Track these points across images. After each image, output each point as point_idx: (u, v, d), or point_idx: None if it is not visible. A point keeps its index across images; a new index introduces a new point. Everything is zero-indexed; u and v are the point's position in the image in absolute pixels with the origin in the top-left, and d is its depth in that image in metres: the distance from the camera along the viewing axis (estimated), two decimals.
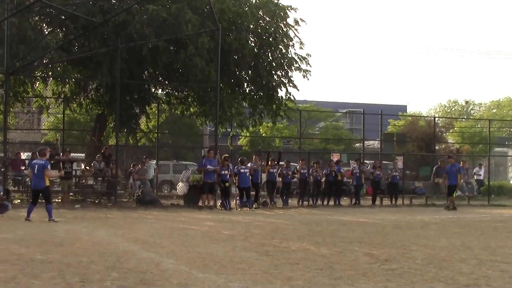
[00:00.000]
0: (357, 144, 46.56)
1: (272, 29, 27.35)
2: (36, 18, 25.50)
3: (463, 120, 66.01)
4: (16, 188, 24.53)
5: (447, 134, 48.67)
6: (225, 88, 27.45)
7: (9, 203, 18.20)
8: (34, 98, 29.47)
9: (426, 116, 54.71)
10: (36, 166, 16.75)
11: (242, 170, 23.83)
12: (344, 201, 27.57)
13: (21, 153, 26.19)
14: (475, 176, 33.84)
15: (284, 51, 27.90)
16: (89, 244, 11.92)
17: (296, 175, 26.58)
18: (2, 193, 18.43)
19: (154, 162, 29.06)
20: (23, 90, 26.51)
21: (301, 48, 28.85)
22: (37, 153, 17.78)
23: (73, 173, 25.51)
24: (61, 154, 23.67)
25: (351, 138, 52.50)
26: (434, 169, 30.79)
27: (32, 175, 17.18)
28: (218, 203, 23.45)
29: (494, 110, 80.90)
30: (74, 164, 26.02)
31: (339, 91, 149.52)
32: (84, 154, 29.94)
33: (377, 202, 27.41)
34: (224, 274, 8.93)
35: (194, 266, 9.52)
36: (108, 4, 24.95)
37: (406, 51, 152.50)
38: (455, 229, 16.67)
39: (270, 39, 27.36)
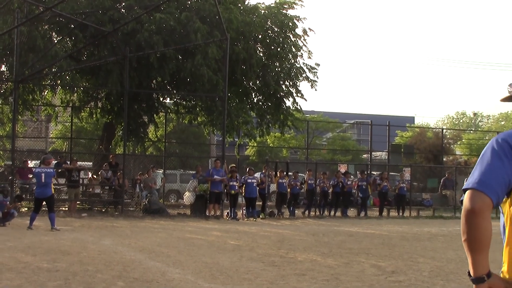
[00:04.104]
0: (365, 155, 46.48)
1: (280, 39, 27.42)
2: (46, 27, 25.65)
3: (471, 132, 65.81)
4: (24, 196, 24.55)
5: (455, 146, 48.56)
6: (232, 97, 27.50)
7: (15, 211, 18.22)
8: (42, 107, 29.57)
9: (434, 128, 54.65)
10: (43, 174, 16.69)
11: (249, 180, 23.82)
12: (351, 212, 27.50)
13: (29, 162, 26.23)
14: None
15: (292, 61, 27.97)
16: (96, 253, 11.92)
17: (303, 186, 26.54)
18: (8, 202, 18.46)
19: (161, 172, 29.08)
20: (31, 98, 26.61)
21: (309, 57, 28.98)
22: (42, 161, 17.76)
23: (80, 181, 25.54)
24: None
25: (359, 149, 52.41)
26: (441, 181, 30.68)
27: (37, 183, 17.16)
28: (225, 213, 23.43)
29: (503, 122, 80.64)
30: (82, 173, 26.05)
31: (346, 102, 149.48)
32: (91, 163, 30.00)
33: (384, 213, 27.31)
34: (230, 284, 8.91)
35: (201, 276, 9.50)
36: (117, 13, 25.06)
37: (415, 63, 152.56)
38: None
39: (278, 49, 27.43)
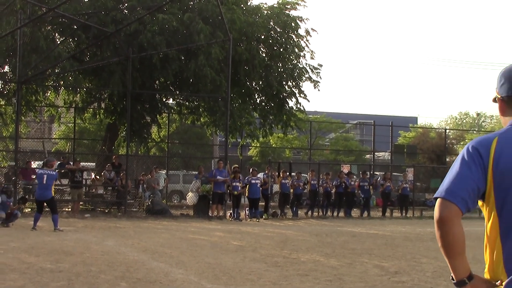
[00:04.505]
0: (368, 156, 46.46)
1: (283, 39, 27.41)
2: (49, 27, 25.69)
3: (474, 132, 65.67)
4: (26, 197, 24.58)
5: (458, 146, 48.45)
6: (235, 98, 27.50)
7: (18, 212, 18.25)
8: (45, 107, 29.61)
9: (437, 128, 54.57)
10: (45, 176, 16.66)
11: (253, 181, 23.82)
12: (354, 212, 27.49)
13: (32, 162, 26.25)
14: None
15: (295, 61, 27.97)
16: (99, 254, 11.93)
17: (306, 186, 26.54)
18: (12, 202, 18.48)
19: (164, 172, 29.10)
20: (34, 99, 26.63)
21: (312, 58, 28.97)
22: (45, 164, 17.78)
23: (83, 182, 25.57)
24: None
25: (361, 150, 52.41)
26: None
27: (38, 185, 17.17)
28: (228, 213, 23.44)
29: None
30: (85, 173, 26.08)
31: (349, 102, 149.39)
32: (94, 164, 30.04)
33: (387, 214, 27.30)
34: (233, 285, 8.91)
35: (204, 277, 9.51)
36: (120, 14, 25.09)
37: (417, 63, 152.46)
38: (466, 242, 16.54)
39: (281, 50, 27.43)
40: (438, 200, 2.65)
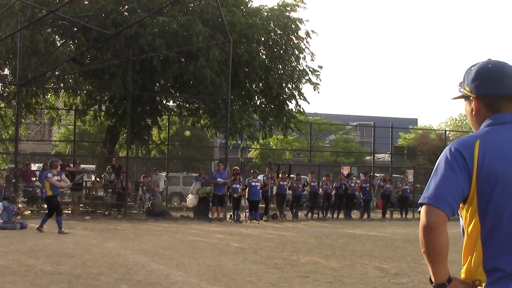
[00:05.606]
0: (368, 157, 46.46)
1: (283, 41, 27.43)
2: (49, 30, 25.69)
3: None
4: (26, 200, 24.60)
5: None
6: (235, 100, 27.51)
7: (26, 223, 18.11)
8: (45, 110, 29.63)
9: (437, 130, 54.55)
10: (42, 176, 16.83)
11: (253, 183, 23.82)
12: (354, 214, 27.49)
13: (32, 165, 26.26)
14: None
15: (295, 63, 27.98)
16: (99, 256, 11.94)
17: (306, 188, 26.54)
18: (15, 208, 18.46)
19: (164, 174, 29.09)
20: (35, 101, 26.65)
21: (312, 60, 28.98)
22: (48, 165, 17.83)
23: (84, 184, 25.57)
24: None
25: (362, 151, 52.41)
26: None
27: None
28: (228, 215, 23.44)
29: None
30: (85, 176, 26.08)
31: (349, 104, 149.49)
32: (94, 166, 30.03)
33: (387, 215, 27.30)
34: (233, 287, 8.92)
35: (204, 279, 9.51)
36: (120, 16, 25.10)
37: (418, 64, 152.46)
38: None
39: (281, 52, 27.44)
40: (424, 207, 2.62)
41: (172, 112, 30.75)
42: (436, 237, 2.60)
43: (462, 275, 2.74)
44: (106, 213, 24.47)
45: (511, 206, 2.61)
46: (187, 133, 30.23)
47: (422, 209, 2.64)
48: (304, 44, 28.10)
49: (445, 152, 2.72)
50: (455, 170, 2.63)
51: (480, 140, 2.66)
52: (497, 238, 2.61)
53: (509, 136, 2.68)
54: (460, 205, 2.70)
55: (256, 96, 28.72)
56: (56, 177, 16.92)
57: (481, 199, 2.63)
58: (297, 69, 28.08)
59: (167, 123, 32.02)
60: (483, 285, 2.63)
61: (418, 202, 2.70)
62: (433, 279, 2.68)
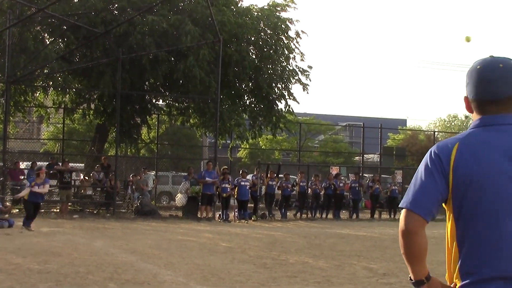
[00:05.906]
0: (357, 158, 46.53)
1: (273, 41, 27.43)
2: (38, 28, 25.58)
3: None
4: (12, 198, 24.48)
5: None
6: (225, 99, 27.49)
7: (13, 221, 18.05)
8: (34, 108, 29.50)
9: (426, 130, 54.77)
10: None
11: (242, 183, 23.81)
12: (343, 214, 27.54)
13: (20, 163, 26.12)
14: None
15: (284, 63, 27.99)
16: (87, 255, 11.90)
17: (295, 188, 26.57)
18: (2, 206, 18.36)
19: (153, 173, 29.04)
20: (23, 99, 26.53)
21: (302, 60, 29.00)
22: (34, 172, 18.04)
23: (72, 183, 25.48)
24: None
25: (351, 152, 52.46)
26: None
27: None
28: (217, 215, 23.42)
29: None
30: (73, 174, 25.98)
31: (339, 104, 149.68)
32: (83, 164, 29.92)
33: (376, 216, 27.37)
34: (222, 286, 8.91)
35: (192, 278, 9.50)
36: (110, 15, 25.03)
37: (407, 65, 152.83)
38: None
39: (271, 52, 27.44)
40: (404, 212, 2.66)
41: (162, 111, 30.70)
42: (414, 241, 2.64)
43: (446, 278, 2.78)
44: (95, 212, 24.40)
45: (482, 210, 2.61)
46: None
47: (402, 213, 2.68)
48: (294, 44, 28.14)
49: (426, 156, 2.77)
50: (434, 175, 2.67)
51: (459, 143, 2.69)
52: (469, 242, 2.63)
53: (487, 139, 2.67)
54: (444, 206, 2.73)
55: (245, 96, 28.71)
56: (37, 187, 16.97)
57: (455, 202, 2.66)
58: (287, 69, 28.08)
59: (156, 122, 31.96)
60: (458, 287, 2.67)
61: (399, 206, 2.74)
62: (412, 277, 2.72)
